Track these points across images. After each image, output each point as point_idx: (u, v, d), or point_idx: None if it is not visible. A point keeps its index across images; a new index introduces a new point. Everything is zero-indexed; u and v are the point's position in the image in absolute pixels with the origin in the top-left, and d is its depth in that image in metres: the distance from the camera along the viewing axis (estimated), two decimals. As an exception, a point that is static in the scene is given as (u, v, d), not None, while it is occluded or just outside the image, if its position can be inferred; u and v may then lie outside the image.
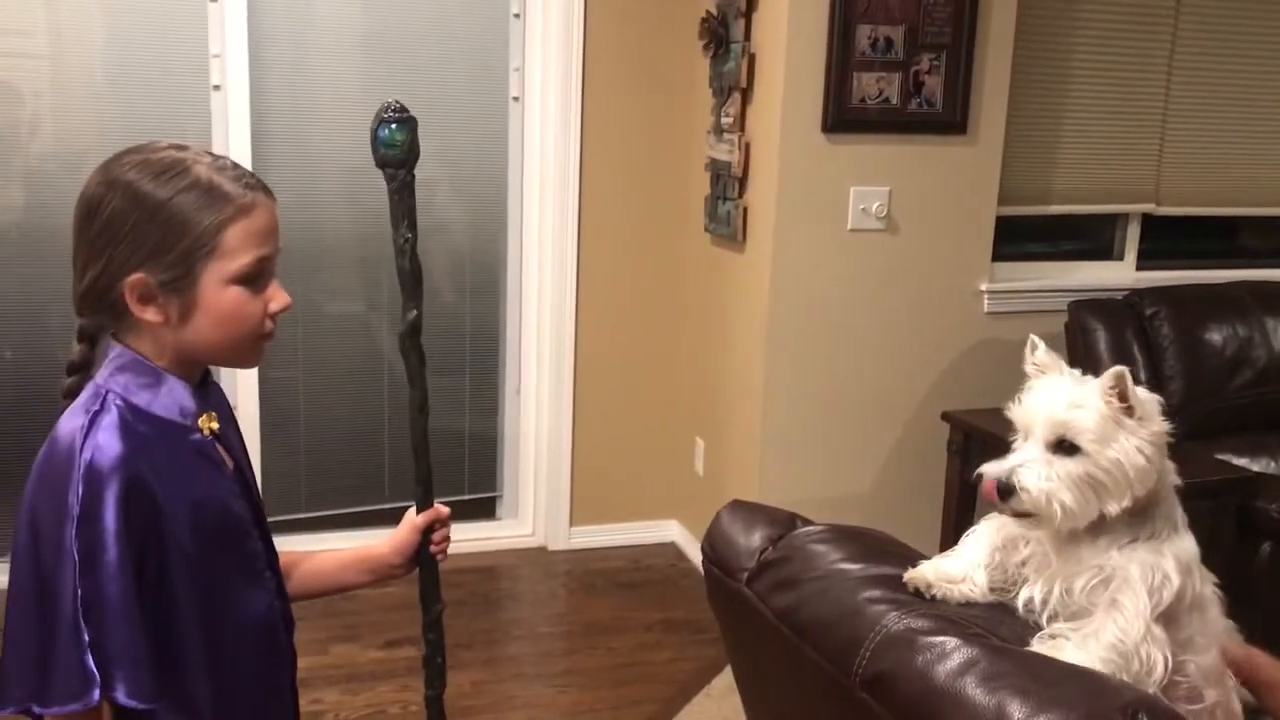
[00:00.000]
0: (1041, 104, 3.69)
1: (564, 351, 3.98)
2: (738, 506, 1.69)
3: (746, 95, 3.51)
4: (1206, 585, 1.48)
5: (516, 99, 3.84)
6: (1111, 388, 1.40)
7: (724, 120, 3.62)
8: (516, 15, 3.80)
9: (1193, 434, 3.50)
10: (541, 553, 4.08)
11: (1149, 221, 4.01)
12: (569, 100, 3.79)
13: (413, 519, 1.62)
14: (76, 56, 3.53)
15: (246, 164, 3.00)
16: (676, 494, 4.16)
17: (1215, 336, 3.57)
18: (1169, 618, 1.41)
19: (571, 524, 4.11)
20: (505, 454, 4.14)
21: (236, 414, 1.52)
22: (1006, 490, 1.42)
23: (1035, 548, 1.48)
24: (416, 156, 1.51)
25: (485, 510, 4.16)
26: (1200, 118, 3.91)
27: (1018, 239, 3.84)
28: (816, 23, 3.29)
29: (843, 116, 3.35)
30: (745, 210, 3.55)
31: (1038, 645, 1.38)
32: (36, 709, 1.23)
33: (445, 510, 1.64)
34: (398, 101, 1.50)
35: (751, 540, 1.59)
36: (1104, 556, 1.43)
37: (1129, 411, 1.40)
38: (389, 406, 3.93)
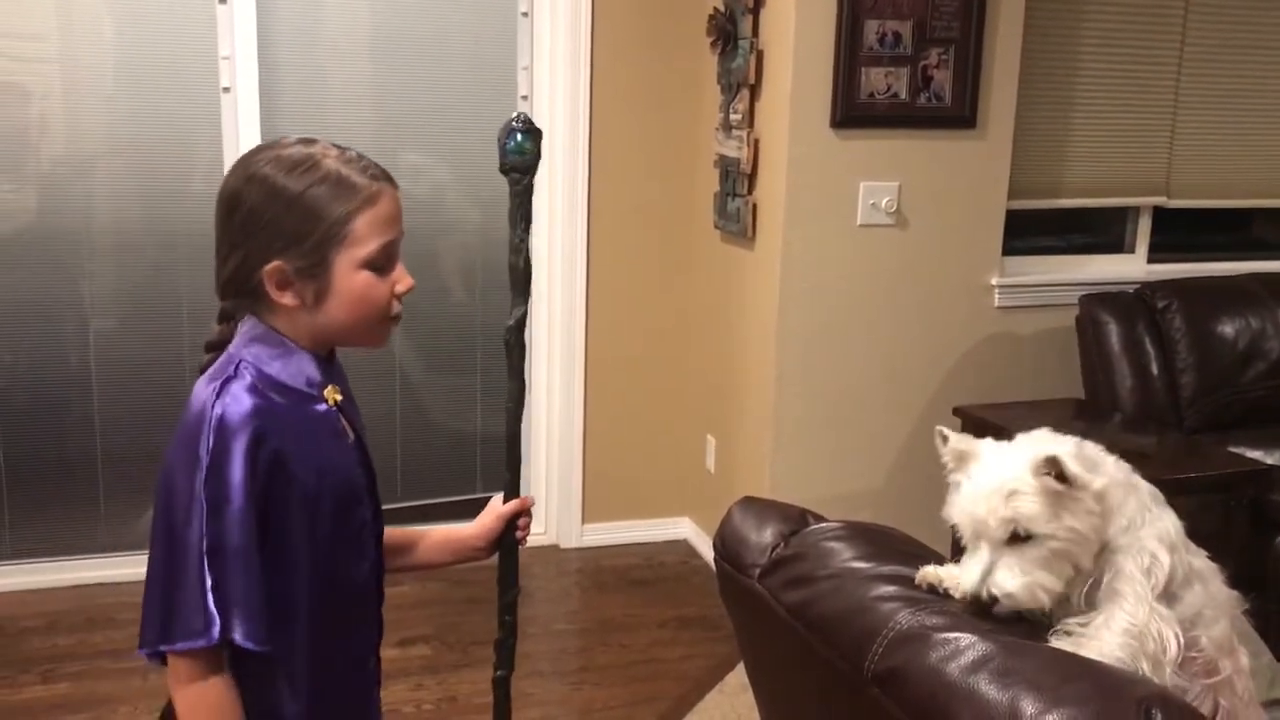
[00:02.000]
0: (1051, 97, 3.68)
1: (574, 350, 3.98)
2: (749, 503, 1.69)
3: (755, 91, 3.51)
4: (1198, 558, 1.49)
5: (525, 97, 3.84)
6: (1045, 474, 1.40)
7: (732, 116, 3.62)
8: (524, 14, 3.80)
9: (1205, 427, 3.49)
10: (554, 551, 4.08)
11: (1160, 214, 3.99)
12: (577, 98, 3.79)
13: (498, 507, 1.69)
14: (87, 60, 3.54)
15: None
16: (688, 491, 4.16)
17: (1228, 329, 3.55)
18: (1169, 596, 1.43)
19: (583, 522, 4.11)
20: (517, 452, 4.14)
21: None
22: (990, 602, 1.40)
23: None
24: (538, 164, 1.65)
25: (497, 508, 4.17)
26: (1211, 109, 3.89)
27: (1028, 233, 3.83)
28: (824, 18, 3.28)
29: (851, 112, 3.35)
30: (754, 206, 3.55)
31: (1054, 642, 1.38)
32: (163, 647, 1.30)
33: (531, 500, 1.72)
34: (524, 113, 1.67)
35: (764, 537, 1.59)
36: None
37: (1065, 484, 1.40)
38: (400, 406, 3.94)
